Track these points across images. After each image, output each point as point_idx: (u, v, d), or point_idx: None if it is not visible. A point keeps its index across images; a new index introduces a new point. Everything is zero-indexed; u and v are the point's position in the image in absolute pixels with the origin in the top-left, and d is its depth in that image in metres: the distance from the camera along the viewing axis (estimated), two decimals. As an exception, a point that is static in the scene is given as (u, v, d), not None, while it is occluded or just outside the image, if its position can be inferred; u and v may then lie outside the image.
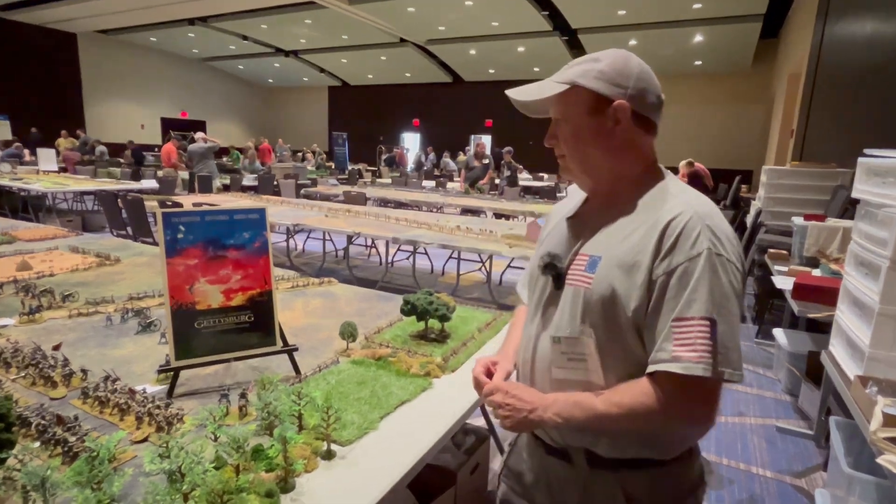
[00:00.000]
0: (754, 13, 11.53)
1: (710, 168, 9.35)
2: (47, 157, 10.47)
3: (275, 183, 9.73)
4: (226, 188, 9.53)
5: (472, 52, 17.19)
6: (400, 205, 8.07)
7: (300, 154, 16.54)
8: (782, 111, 10.17)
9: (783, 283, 3.19)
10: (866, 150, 2.22)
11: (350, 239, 5.71)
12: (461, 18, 14.16)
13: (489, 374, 1.14)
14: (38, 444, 1.21)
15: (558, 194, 9.88)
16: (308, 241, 7.63)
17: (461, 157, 15.67)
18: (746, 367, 3.73)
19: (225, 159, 14.33)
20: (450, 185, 10.96)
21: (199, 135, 9.85)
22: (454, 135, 20.32)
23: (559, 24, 13.72)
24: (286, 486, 1.10)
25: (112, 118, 19.22)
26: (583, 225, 1.07)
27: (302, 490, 1.10)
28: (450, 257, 6.18)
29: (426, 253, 6.42)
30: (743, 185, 10.28)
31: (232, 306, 1.54)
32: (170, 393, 1.46)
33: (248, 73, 24.03)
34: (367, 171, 15.70)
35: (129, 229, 5.83)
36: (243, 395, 1.39)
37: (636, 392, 0.92)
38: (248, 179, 10.44)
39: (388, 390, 1.51)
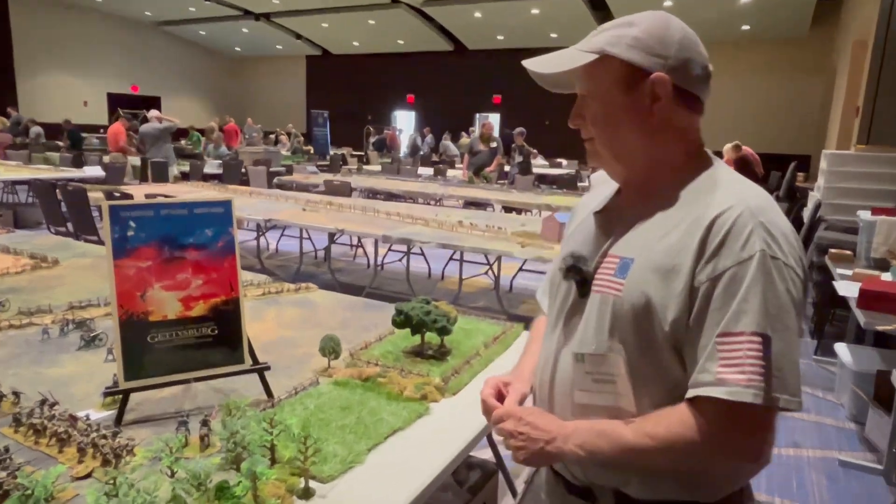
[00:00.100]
0: (812, -32, 11.56)
1: (759, 153, 9.34)
2: (-29, 141, 10.48)
3: (243, 170, 9.72)
4: (184, 177, 9.53)
5: (478, 14, 17.19)
6: (391, 196, 8.07)
7: (273, 136, 16.53)
8: (846, 85, 10.17)
9: (846, 289, 3.19)
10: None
11: (332, 237, 5.71)
12: (464, -26, 14.19)
13: (500, 397, 1.13)
14: (-40, 480, 1.20)
15: (580, 184, 9.89)
16: (282, 240, 7.63)
17: (464, 140, 15.67)
18: (803, 390, 3.70)
19: (183, 142, 14.30)
20: (450, 172, 10.97)
21: (152, 113, 9.84)
22: (456, 113, 20.32)
23: (581, -19, 13.74)
24: (256, 530, 1.09)
25: (49, 94, 19.20)
26: (613, 221, 1.07)
27: (275, 536, 1.10)
28: (450, 259, 6.17)
29: (422, 254, 6.42)
30: (799, 173, 10.29)
31: (192, 317, 1.53)
32: (118, 420, 1.46)
33: (211, 40, 24.03)
34: (353, 156, 15.69)
35: (69, 225, 5.82)
36: (205, 423, 1.38)
37: (673, 421, 0.91)
38: (212, 166, 10.44)
39: (378, 417, 1.51)
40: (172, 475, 1.18)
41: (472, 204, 7.49)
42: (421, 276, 6.34)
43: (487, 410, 1.11)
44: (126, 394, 1.47)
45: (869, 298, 2.89)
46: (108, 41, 20.82)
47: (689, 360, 0.93)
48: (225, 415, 1.39)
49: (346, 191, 7.13)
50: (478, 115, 20.36)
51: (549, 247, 3.89)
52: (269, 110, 24.25)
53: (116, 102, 19.73)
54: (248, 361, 1.59)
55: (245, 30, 21.89)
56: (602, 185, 1.19)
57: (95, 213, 5.49)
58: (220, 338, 1.56)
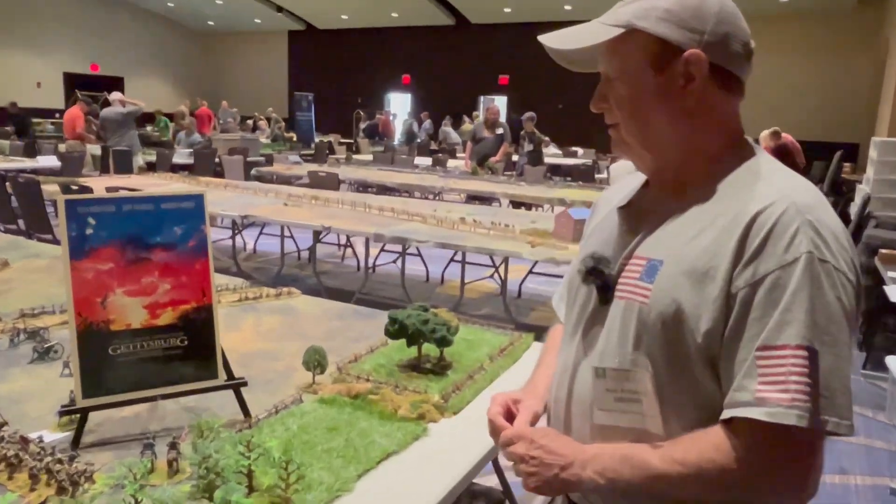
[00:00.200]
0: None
1: (801, 141, 9.36)
2: None
3: (216, 160, 9.73)
4: (150, 167, 9.54)
5: (482, -16, 17.21)
6: (384, 190, 8.07)
7: (250, 122, 16.55)
8: (898, 65, 10.19)
9: (900, 295, 3.18)
10: None
11: (317, 236, 5.71)
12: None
13: (509, 417, 1.13)
14: None
15: (598, 175, 9.90)
16: (261, 239, 7.63)
17: (466, 126, 15.70)
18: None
19: (149, 129, 14.35)
20: (451, 163, 10.98)
21: (115, 96, 9.87)
22: (457, 96, 20.34)
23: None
24: (232, 569, 1.09)
25: (-2, 73, 19.23)
26: (640, 217, 1.07)
27: (253, 575, 1.10)
28: (451, 260, 6.17)
29: (419, 255, 6.42)
30: (845, 164, 10.31)
31: (159, 326, 1.52)
32: (75, 442, 1.45)
33: (180, 13, 24.05)
34: (341, 144, 15.72)
35: (20, 223, 5.83)
36: (174, 446, 1.38)
37: (706, 445, 0.91)
38: (181, 156, 10.45)
39: (369, 439, 1.51)
40: (137, 505, 1.17)
41: (475, 198, 7.49)
42: (418, 280, 6.34)
43: (495, 431, 1.11)
44: (84, 413, 1.46)
45: (925, 305, 2.89)
46: (63, 14, 20.83)
47: (725, 377, 0.93)
48: (196, 436, 1.38)
49: (333, 183, 7.13)
50: (482, 98, 20.36)
51: (563, 247, 3.89)
52: (246, 92, 24.28)
53: (74, 83, 19.76)
54: (223, 376, 1.59)
55: (219, 1, 21.89)
56: (627, 177, 1.19)
57: (50, 209, 5.50)
58: (190, 350, 1.55)
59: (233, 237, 6.84)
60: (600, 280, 1.04)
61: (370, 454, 1.44)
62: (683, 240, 0.98)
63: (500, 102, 19.48)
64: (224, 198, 5.78)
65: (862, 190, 6.54)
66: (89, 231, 1.47)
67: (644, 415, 0.98)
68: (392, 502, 1.30)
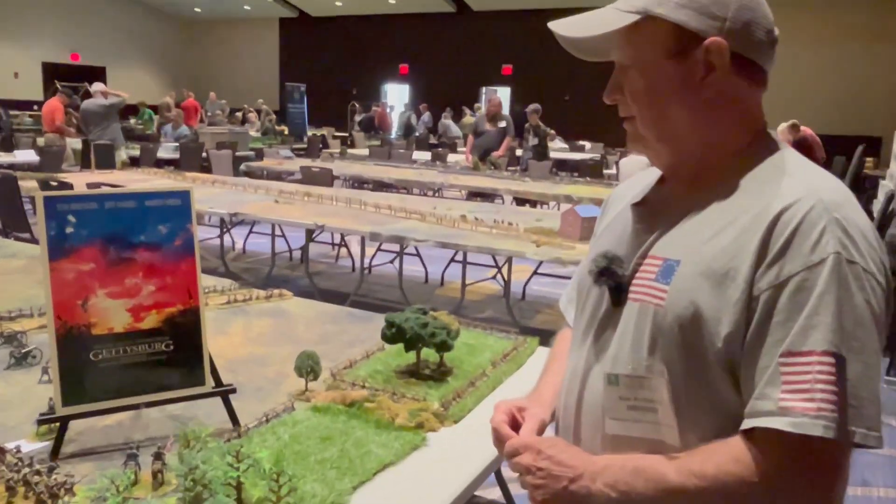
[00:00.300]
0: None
1: (820, 134, 9.36)
2: None
3: (204, 155, 9.74)
4: (134, 162, 9.53)
5: (484, -31, 17.23)
6: (381, 186, 8.08)
7: (239, 114, 16.57)
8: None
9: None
10: None
11: (310, 234, 5.71)
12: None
13: (514, 426, 1.13)
14: None
15: (606, 171, 9.91)
16: (251, 238, 7.64)
17: (467, 119, 15.71)
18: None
19: (133, 121, 14.33)
20: (452, 157, 11.00)
21: (96, 87, 9.86)
22: (458, 87, 20.36)
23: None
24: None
25: (-27, 63, 19.24)
26: (655, 215, 1.07)
27: None
28: (452, 261, 6.18)
29: (418, 254, 6.43)
30: (868, 158, 10.32)
31: (143, 330, 1.52)
32: (55, 452, 1.45)
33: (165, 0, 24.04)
34: (335, 138, 15.73)
35: (-4, 220, 5.82)
36: (159, 456, 1.38)
37: (725, 457, 0.91)
38: (167, 150, 10.47)
39: (364, 449, 1.51)
40: (119, 520, 1.17)
41: (477, 195, 7.50)
42: (416, 282, 6.35)
43: (500, 441, 1.11)
44: (64, 421, 1.46)
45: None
46: (42, 1, 20.82)
47: (746, 385, 0.93)
48: (182, 446, 1.38)
49: (326, 179, 7.14)
50: (484, 90, 20.41)
51: (570, 246, 3.89)
52: (235, 83, 24.30)
53: (53, 74, 19.77)
54: (210, 383, 1.59)
55: (207, -13, 21.96)
56: (640, 173, 1.19)
57: (28, 206, 5.50)
58: (176, 355, 1.55)
59: (221, 236, 6.85)
60: (613, 281, 1.04)
61: (366, 465, 1.44)
62: (702, 238, 0.98)
63: (504, 94, 19.54)
64: (212, 194, 5.78)
65: (885, 186, 6.54)
66: (69, 230, 1.47)
67: (659, 424, 0.98)
68: (390, 517, 1.30)
